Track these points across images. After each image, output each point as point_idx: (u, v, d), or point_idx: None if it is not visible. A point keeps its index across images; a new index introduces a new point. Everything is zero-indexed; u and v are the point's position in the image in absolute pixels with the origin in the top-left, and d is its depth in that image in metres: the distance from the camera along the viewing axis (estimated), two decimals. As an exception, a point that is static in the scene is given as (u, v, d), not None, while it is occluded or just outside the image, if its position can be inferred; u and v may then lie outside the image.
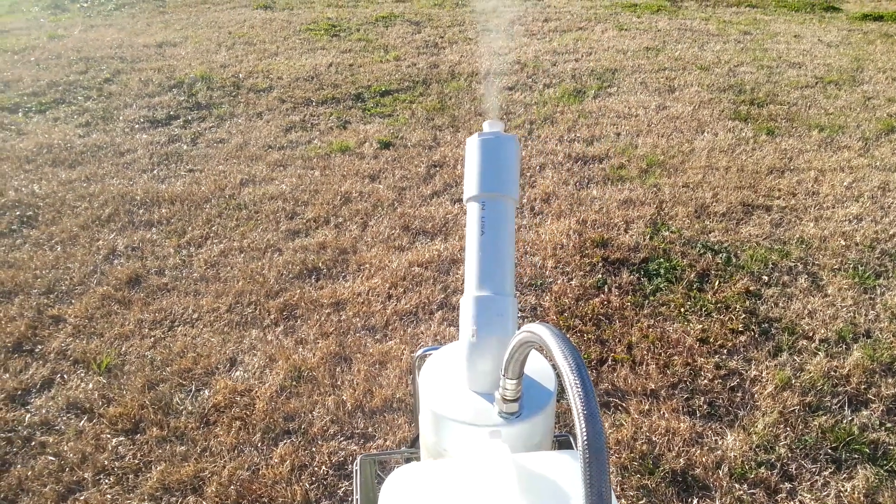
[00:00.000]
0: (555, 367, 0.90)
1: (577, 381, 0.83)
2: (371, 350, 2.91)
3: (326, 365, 2.83)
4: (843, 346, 2.91)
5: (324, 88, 6.00)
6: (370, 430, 2.53)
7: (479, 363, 1.21)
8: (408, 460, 1.62)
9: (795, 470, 2.36)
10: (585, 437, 0.78)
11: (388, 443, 2.47)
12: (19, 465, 2.40)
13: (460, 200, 4.10)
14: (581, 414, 0.80)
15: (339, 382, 2.75)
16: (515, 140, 1.28)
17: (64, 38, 7.71)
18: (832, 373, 2.76)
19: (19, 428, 2.56)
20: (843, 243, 3.63)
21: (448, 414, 1.18)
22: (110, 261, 3.57)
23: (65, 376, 2.81)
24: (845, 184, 4.23)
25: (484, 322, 1.22)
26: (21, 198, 4.19)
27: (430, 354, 1.39)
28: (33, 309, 3.20)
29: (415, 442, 1.56)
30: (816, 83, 6.02)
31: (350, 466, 2.37)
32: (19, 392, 2.73)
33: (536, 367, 1.27)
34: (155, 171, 4.54)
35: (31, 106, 5.67)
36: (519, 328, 1.03)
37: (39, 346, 2.98)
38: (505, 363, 1.08)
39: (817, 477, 2.33)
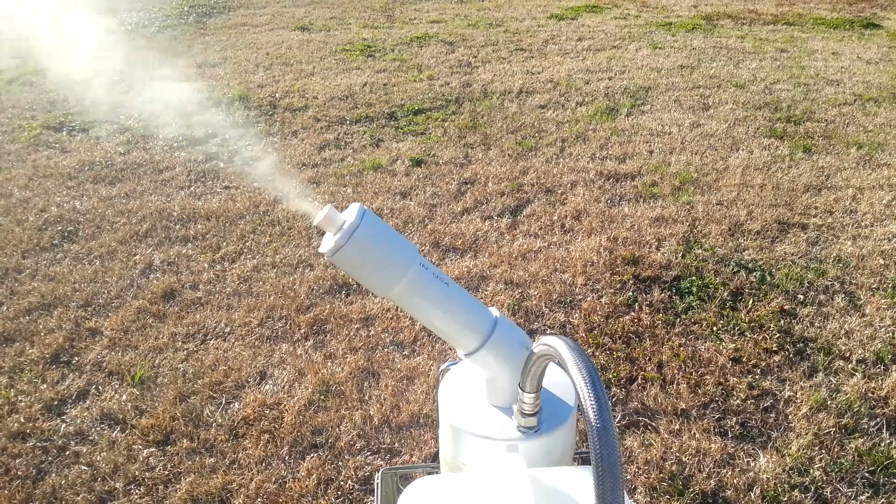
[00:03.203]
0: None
1: (591, 394, 0.82)
2: (399, 365, 2.92)
3: (354, 380, 2.84)
4: (882, 368, 2.84)
5: (358, 107, 6.08)
6: (396, 445, 2.53)
7: (509, 378, 1.21)
8: (429, 474, 1.62)
9: (831, 494, 2.30)
10: (599, 451, 0.77)
11: (414, 458, 2.47)
12: (54, 474, 2.45)
13: (490, 218, 4.11)
14: (594, 427, 0.79)
15: (366, 397, 2.76)
16: (364, 211, 1.10)
17: (109, 59, 7.94)
18: (870, 394, 2.69)
19: (54, 437, 2.62)
20: (882, 262, 3.54)
21: (466, 427, 1.18)
22: (146, 275, 3.65)
23: (100, 387, 2.87)
24: (884, 202, 4.14)
25: (520, 335, 1.23)
26: (63, 213, 4.31)
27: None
28: (71, 321, 3.28)
29: (437, 456, 1.57)
30: (855, 100, 5.91)
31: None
32: (55, 402, 2.80)
33: (558, 381, 1.27)
34: (192, 188, 4.63)
35: (74, 125, 5.84)
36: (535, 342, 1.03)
37: (76, 358, 3.05)
38: (522, 377, 1.08)
39: (853, 501, 2.27)
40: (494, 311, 1.22)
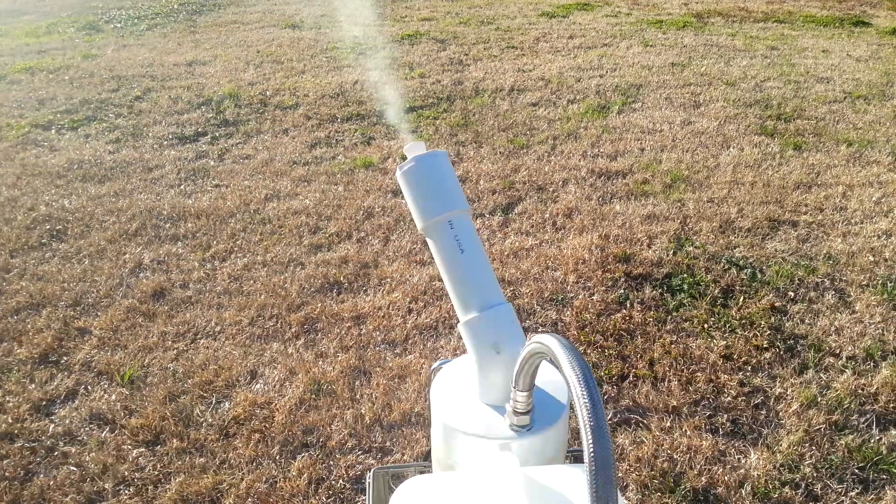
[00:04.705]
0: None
1: (584, 392, 0.82)
2: (390, 364, 2.91)
3: (346, 378, 2.83)
4: (871, 364, 2.85)
5: (349, 105, 6.06)
6: (388, 444, 2.52)
7: (493, 375, 1.20)
8: (421, 473, 1.61)
9: (821, 490, 2.30)
10: (592, 450, 0.77)
11: (405, 457, 2.46)
12: (42, 475, 2.43)
13: (482, 216, 4.10)
14: (587, 425, 0.79)
15: (357, 396, 2.75)
16: (443, 153, 1.25)
17: (97, 58, 7.89)
18: (859, 391, 2.70)
19: (43, 438, 2.60)
20: (872, 259, 3.56)
21: (458, 426, 1.17)
22: (136, 274, 3.63)
23: (89, 387, 2.85)
24: (874, 199, 4.16)
25: (503, 333, 1.21)
26: (52, 212, 4.27)
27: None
28: (60, 321, 3.25)
29: (429, 455, 1.56)
30: (845, 98, 5.94)
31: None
32: (44, 403, 2.77)
33: (551, 379, 1.26)
34: (182, 187, 4.61)
35: (63, 123, 5.80)
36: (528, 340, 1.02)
37: (65, 358, 3.03)
38: (515, 375, 1.08)
39: (843, 497, 2.28)
40: (504, 301, 1.22)
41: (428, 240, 1.27)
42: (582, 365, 0.85)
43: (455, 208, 1.22)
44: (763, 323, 3.10)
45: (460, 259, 1.22)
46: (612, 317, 3.17)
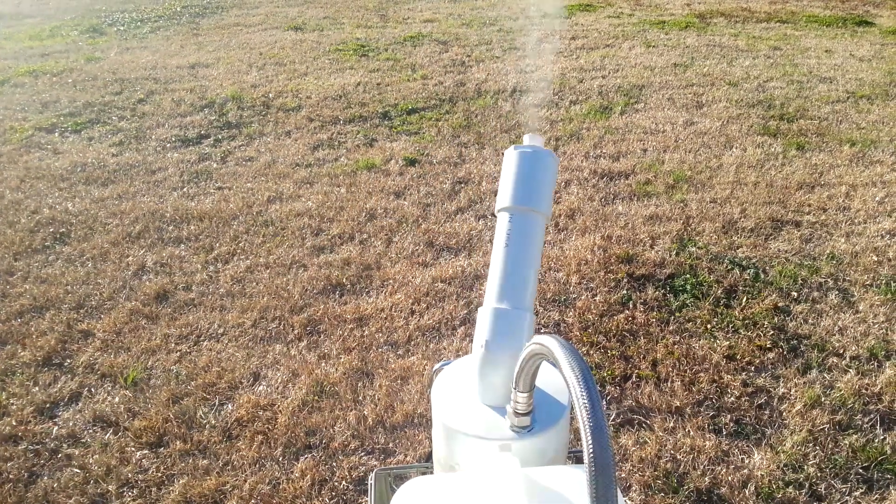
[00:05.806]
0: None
1: (584, 393, 0.81)
2: (393, 365, 2.91)
3: (348, 380, 2.83)
4: (875, 364, 2.84)
5: (351, 107, 6.06)
6: (391, 445, 2.52)
7: (491, 376, 1.20)
8: (423, 474, 1.61)
9: (825, 490, 2.30)
10: (591, 451, 0.77)
11: (408, 458, 2.46)
12: (46, 477, 2.44)
13: (485, 217, 4.10)
14: (587, 427, 0.79)
15: (360, 397, 2.75)
16: (554, 156, 1.26)
17: (100, 61, 7.91)
18: (863, 391, 2.69)
19: (47, 440, 2.60)
20: (875, 259, 3.55)
21: (459, 427, 1.18)
22: (139, 276, 3.63)
23: (92, 390, 2.86)
24: (878, 199, 4.15)
25: (497, 334, 1.21)
26: (55, 215, 4.28)
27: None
28: (63, 323, 3.26)
29: (430, 456, 1.56)
30: (848, 98, 5.93)
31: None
32: (48, 405, 2.78)
33: (552, 380, 1.26)
34: (185, 189, 4.62)
35: (67, 126, 5.81)
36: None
37: (68, 360, 3.03)
38: (515, 376, 1.08)
39: (847, 497, 2.27)
40: (524, 308, 1.21)
41: None
42: (581, 366, 0.85)
43: (520, 204, 1.24)
44: (766, 323, 3.10)
45: (502, 252, 1.24)
46: (615, 317, 3.17)
